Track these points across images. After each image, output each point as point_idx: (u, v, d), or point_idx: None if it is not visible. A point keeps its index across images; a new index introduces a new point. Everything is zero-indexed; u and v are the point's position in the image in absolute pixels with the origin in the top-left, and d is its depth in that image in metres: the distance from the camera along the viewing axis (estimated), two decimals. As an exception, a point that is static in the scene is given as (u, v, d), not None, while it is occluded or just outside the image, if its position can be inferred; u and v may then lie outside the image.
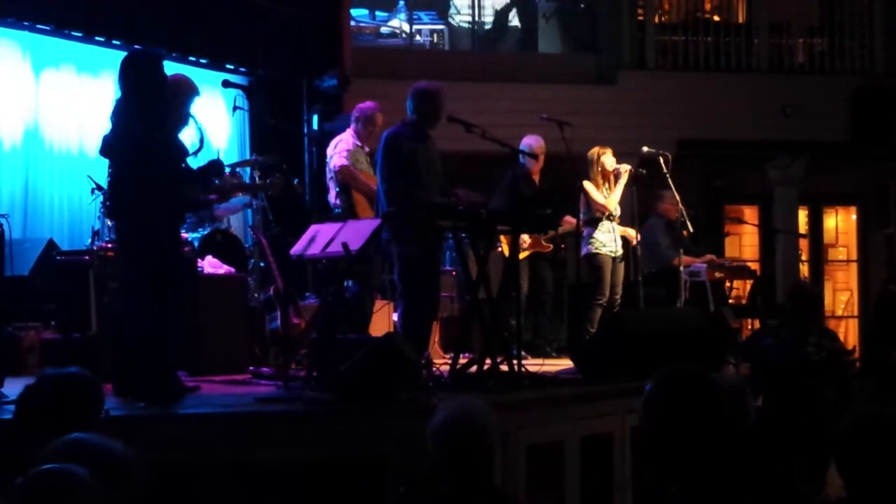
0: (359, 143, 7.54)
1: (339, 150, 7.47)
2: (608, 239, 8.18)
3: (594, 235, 8.13)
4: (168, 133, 5.52)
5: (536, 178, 8.44)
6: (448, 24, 12.21)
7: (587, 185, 8.08)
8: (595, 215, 8.13)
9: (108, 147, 5.48)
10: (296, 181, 7.47)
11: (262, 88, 9.15)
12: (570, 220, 8.00)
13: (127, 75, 5.45)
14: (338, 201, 7.45)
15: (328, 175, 7.62)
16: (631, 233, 8.49)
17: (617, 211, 8.28)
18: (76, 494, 2.24)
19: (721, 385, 2.89)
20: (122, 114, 5.40)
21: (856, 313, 13.70)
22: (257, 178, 7.66)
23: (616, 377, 6.08)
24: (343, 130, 7.83)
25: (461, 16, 12.13)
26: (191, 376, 6.10)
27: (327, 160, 7.63)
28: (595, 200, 8.10)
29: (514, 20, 12.34)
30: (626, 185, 8.19)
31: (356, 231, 5.95)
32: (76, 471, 2.30)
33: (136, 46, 8.53)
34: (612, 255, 8.18)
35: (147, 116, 5.35)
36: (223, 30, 9.05)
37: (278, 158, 7.90)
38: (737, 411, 2.86)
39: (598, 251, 8.12)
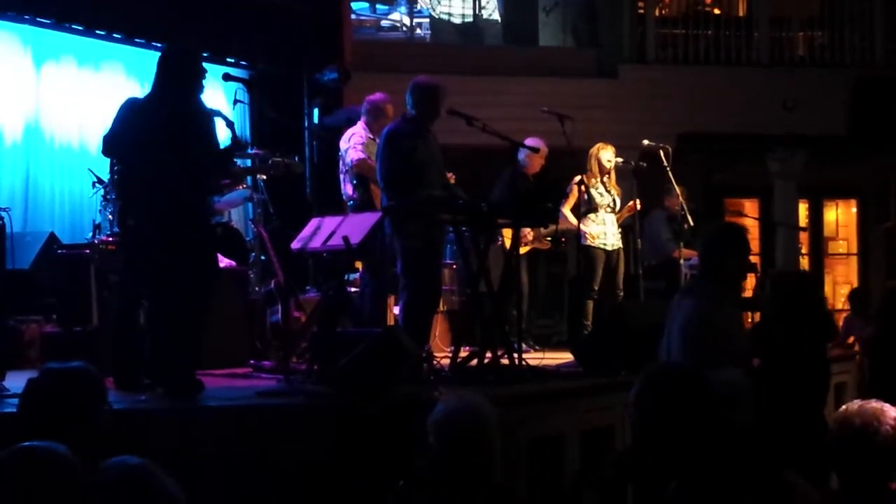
0: (371, 136, 7.53)
1: (354, 143, 7.46)
2: (599, 231, 8.19)
3: (588, 228, 8.14)
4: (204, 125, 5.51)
5: (532, 178, 8.43)
6: (430, 17, 12.18)
7: (584, 180, 8.11)
8: (593, 206, 8.15)
9: (121, 146, 5.47)
10: (296, 158, 7.48)
11: (263, 82, 9.14)
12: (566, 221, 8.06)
13: (163, 71, 5.45)
14: (355, 194, 7.44)
15: (342, 169, 7.60)
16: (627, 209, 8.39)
17: (616, 202, 8.30)
18: (53, 473, 2.23)
19: (716, 381, 2.90)
20: (158, 110, 5.39)
21: (856, 307, 13.69)
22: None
23: (616, 370, 6.10)
24: (347, 123, 7.83)
25: (441, 7, 12.09)
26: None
27: (341, 154, 7.61)
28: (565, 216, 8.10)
29: (494, 13, 12.30)
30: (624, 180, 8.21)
31: (357, 224, 5.96)
32: (55, 448, 2.29)
33: (136, 39, 8.58)
34: (605, 248, 8.20)
35: (186, 111, 5.36)
36: (224, 23, 9.05)
37: (277, 151, 7.89)
38: (736, 407, 2.87)
39: (590, 244, 8.15)
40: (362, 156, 7.35)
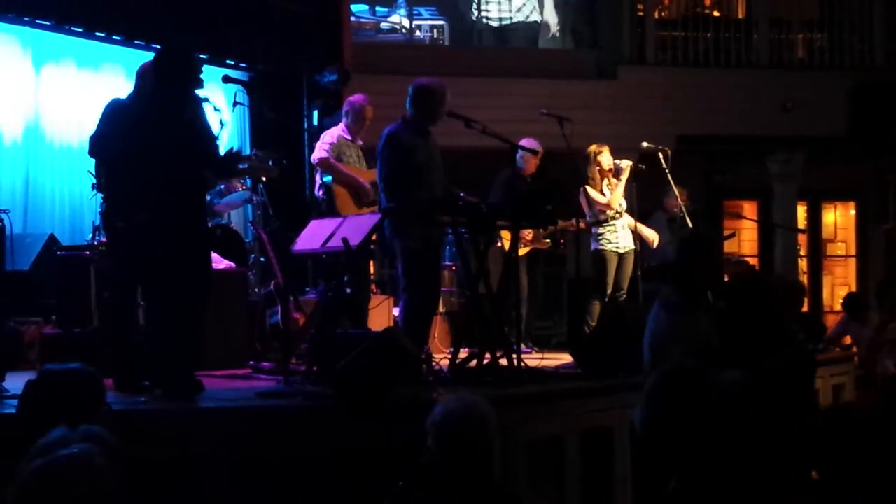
0: (348, 138, 7.53)
1: (322, 142, 7.50)
2: (613, 235, 8.20)
3: (602, 233, 8.15)
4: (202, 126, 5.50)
5: (529, 179, 8.46)
6: (460, 19, 12.17)
7: (588, 189, 8.13)
8: (599, 216, 8.15)
9: (108, 147, 5.45)
10: (283, 161, 7.50)
11: (263, 84, 9.14)
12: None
13: (157, 71, 5.43)
14: (320, 192, 7.47)
15: (316, 170, 7.66)
16: (648, 234, 8.48)
17: (622, 206, 8.29)
18: (92, 481, 2.24)
19: (722, 382, 2.91)
20: (150, 111, 5.37)
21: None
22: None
23: (616, 372, 6.10)
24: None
25: (485, 12, 12.07)
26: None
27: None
28: (597, 201, 8.11)
29: (532, 14, 12.31)
30: (627, 181, 8.21)
31: (356, 226, 5.96)
32: (95, 456, 2.29)
33: (136, 41, 8.58)
34: (618, 251, 8.20)
35: (180, 111, 5.35)
36: (223, 25, 9.04)
37: (276, 153, 7.89)
38: (738, 409, 2.88)
39: (603, 247, 8.15)
40: (325, 155, 7.38)
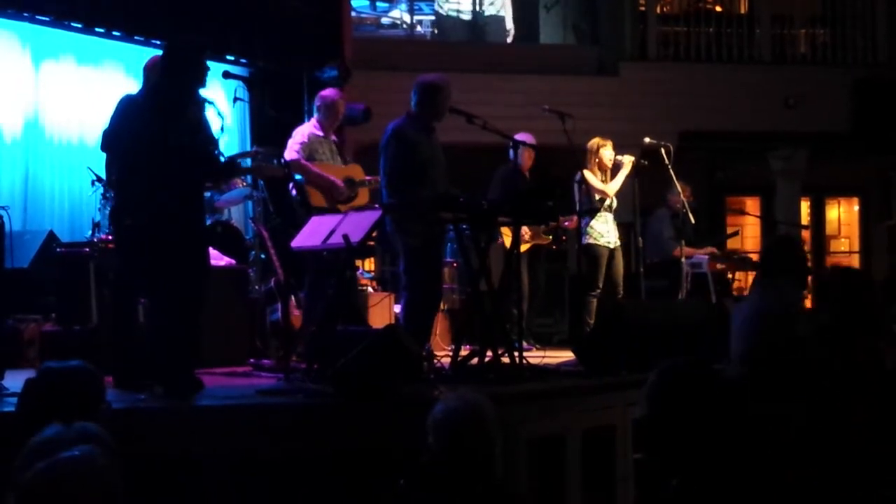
0: (320, 134, 7.40)
1: (293, 142, 7.36)
2: (605, 229, 8.18)
3: (591, 225, 8.13)
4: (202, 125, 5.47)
5: (527, 174, 8.44)
6: (436, 13, 12.17)
7: (586, 173, 8.08)
8: (594, 204, 8.13)
9: (118, 144, 5.44)
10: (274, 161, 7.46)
11: (263, 80, 9.12)
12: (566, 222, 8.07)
13: (166, 67, 5.40)
14: (293, 191, 7.40)
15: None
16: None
17: (614, 202, 8.27)
18: (96, 482, 2.22)
19: (723, 378, 2.89)
20: (155, 105, 5.34)
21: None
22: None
23: (617, 369, 6.08)
24: (346, 121, 7.78)
25: (449, 4, 12.08)
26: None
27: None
28: (594, 187, 8.11)
29: (502, 10, 12.30)
30: (628, 176, 8.19)
31: (357, 223, 5.93)
32: (97, 457, 2.28)
33: (135, 38, 8.56)
34: (609, 245, 8.18)
35: (183, 106, 5.32)
36: (224, 20, 9.02)
37: (277, 150, 7.85)
38: (736, 405, 2.86)
39: (595, 241, 8.12)
40: (295, 156, 7.26)
